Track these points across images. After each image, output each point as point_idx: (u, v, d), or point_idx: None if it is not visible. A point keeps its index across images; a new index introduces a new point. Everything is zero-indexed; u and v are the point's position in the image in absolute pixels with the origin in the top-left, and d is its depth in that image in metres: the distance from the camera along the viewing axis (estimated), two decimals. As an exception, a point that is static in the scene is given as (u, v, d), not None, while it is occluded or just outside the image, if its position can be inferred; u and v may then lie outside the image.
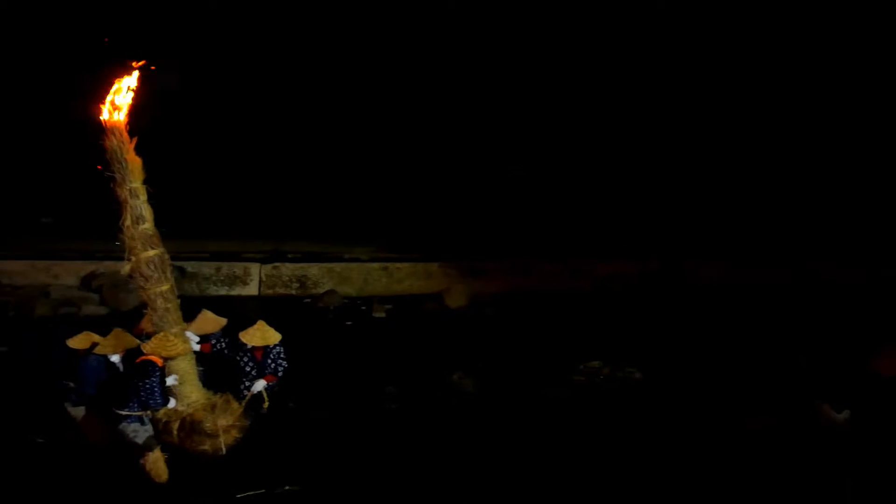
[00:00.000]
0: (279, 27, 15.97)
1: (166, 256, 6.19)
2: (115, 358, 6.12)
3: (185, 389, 6.14)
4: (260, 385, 6.42)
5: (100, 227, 13.12)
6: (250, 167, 15.66)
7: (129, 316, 10.40)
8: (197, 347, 6.44)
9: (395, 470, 6.07)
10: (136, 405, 5.72)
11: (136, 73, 6.09)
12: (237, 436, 6.11)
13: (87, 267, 11.48)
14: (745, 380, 8.32)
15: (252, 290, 11.96)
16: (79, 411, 6.10)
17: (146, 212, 5.99)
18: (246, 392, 6.36)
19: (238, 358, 6.52)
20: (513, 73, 16.81)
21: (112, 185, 5.88)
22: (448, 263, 12.55)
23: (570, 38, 16.62)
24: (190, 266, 11.77)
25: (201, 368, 6.42)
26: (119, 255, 11.88)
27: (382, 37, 16.29)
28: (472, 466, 6.24)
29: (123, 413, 5.72)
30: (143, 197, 5.96)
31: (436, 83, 16.73)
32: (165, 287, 6.10)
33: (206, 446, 5.98)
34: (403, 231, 13.98)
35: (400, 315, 11.35)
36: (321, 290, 12.07)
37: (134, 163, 5.88)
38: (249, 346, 6.45)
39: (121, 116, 5.87)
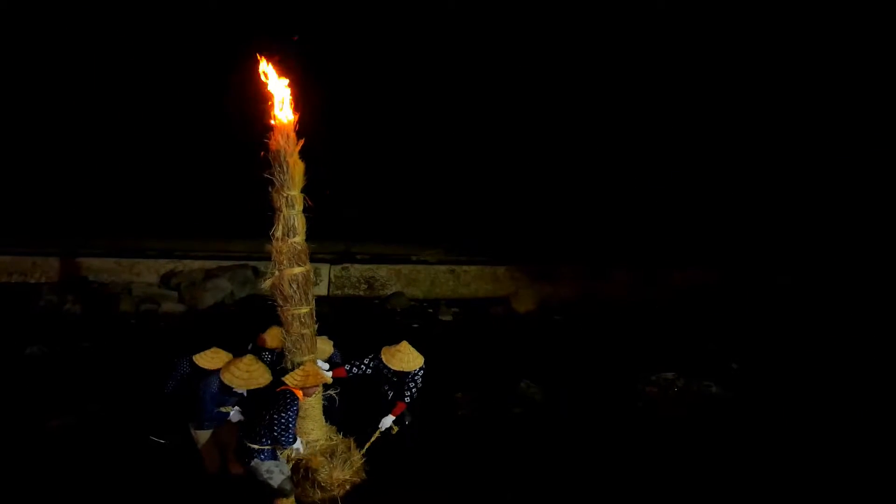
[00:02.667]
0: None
1: (311, 276, 5.76)
2: (242, 392, 5.67)
3: (307, 426, 5.73)
4: (388, 422, 6.00)
5: (179, 226, 13.81)
6: (323, 168, 15.93)
7: (205, 315, 10.80)
8: (329, 375, 5.92)
9: (462, 479, 5.99)
10: (267, 439, 5.19)
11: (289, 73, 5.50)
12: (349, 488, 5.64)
13: (167, 265, 11.91)
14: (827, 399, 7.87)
15: (321, 290, 12.14)
16: (203, 435, 5.70)
17: (299, 224, 5.51)
18: (373, 430, 5.95)
19: (384, 377, 6.08)
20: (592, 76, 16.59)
21: (270, 191, 5.41)
22: (516, 267, 12.39)
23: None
24: (263, 266, 12.04)
25: (333, 392, 6.09)
26: (197, 254, 12.36)
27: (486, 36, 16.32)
28: (536, 479, 6.10)
29: (255, 447, 5.21)
30: (299, 207, 5.48)
31: (510, 82, 16.67)
32: (304, 310, 5.63)
33: (317, 498, 5.52)
34: (472, 233, 13.92)
35: (466, 319, 11.28)
36: (389, 292, 12.14)
37: (296, 168, 5.38)
38: (392, 370, 5.94)
39: (289, 116, 5.36)
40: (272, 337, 6.19)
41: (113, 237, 12.91)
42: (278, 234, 5.47)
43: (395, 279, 12.37)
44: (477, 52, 16.48)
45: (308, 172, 5.45)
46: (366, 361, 6.11)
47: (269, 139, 5.30)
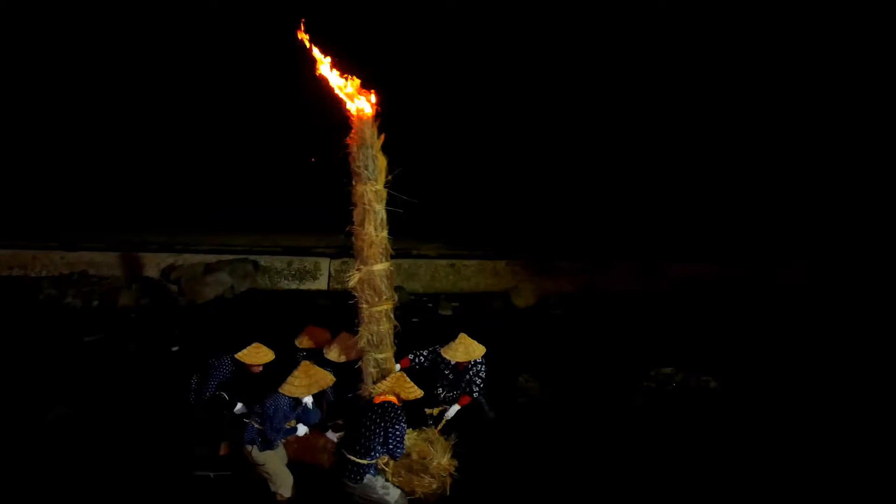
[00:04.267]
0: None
1: (393, 269, 5.74)
2: (308, 399, 5.52)
3: None
4: (454, 410, 6.03)
5: (179, 220, 13.83)
6: (323, 162, 15.93)
7: (206, 308, 10.81)
8: (398, 367, 5.96)
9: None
10: (379, 453, 5.09)
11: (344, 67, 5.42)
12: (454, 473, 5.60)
13: (168, 259, 11.93)
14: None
15: (322, 284, 12.15)
16: (267, 457, 5.44)
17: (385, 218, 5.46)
18: (436, 414, 6.03)
19: (440, 372, 6.13)
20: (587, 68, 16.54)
21: (354, 184, 5.34)
22: (517, 261, 12.39)
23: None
24: (263, 260, 12.08)
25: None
26: (197, 248, 12.34)
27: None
28: (533, 473, 6.14)
29: (365, 462, 5.06)
30: (384, 201, 5.44)
31: (508, 76, 16.64)
32: (390, 305, 5.65)
33: (433, 488, 5.43)
34: (472, 227, 13.90)
35: (467, 313, 11.28)
36: (389, 286, 12.12)
37: (382, 162, 5.35)
38: (452, 362, 6.02)
39: (369, 108, 5.27)
40: (309, 337, 6.28)
41: (113, 231, 12.93)
42: (369, 229, 5.38)
43: (395, 273, 12.34)
44: (475, 46, 16.44)
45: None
46: (425, 353, 6.20)
47: (352, 133, 5.24)
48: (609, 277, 12.11)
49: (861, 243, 13.12)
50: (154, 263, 11.91)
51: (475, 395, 6.15)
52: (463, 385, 6.20)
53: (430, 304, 11.60)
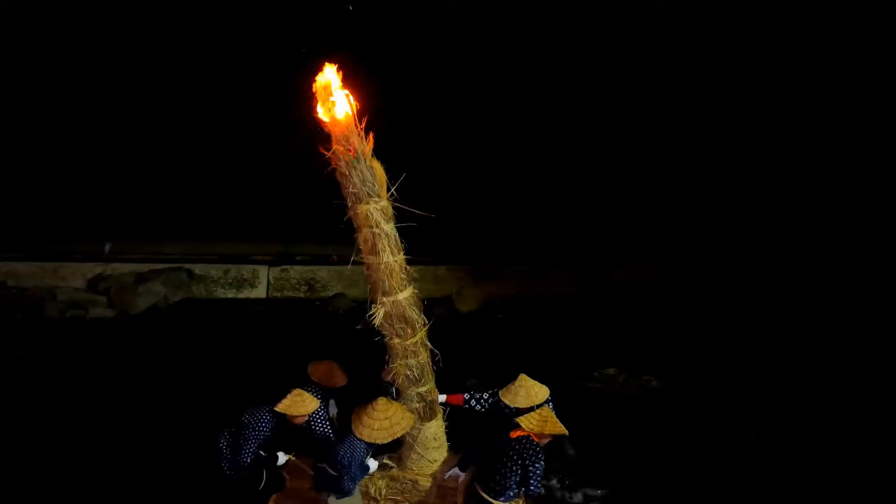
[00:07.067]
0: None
1: (416, 290, 4.94)
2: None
3: (437, 454, 5.25)
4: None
5: (105, 228, 13.21)
6: (260, 167, 15.54)
7: (138, 320, 10.37)
8: (443, 398, 5.37)
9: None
10: (516, 493, 4.68)
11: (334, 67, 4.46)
12: None
13: (95, 269, 11.39)
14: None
15: (260, 292, 11.85)
16: (352, 501, 4.91)
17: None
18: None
19: (501, 419, 5.21)
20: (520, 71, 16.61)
21: (352, 206, 4.52)
22: (458, 267, 12.39)
23: (570, 36, 16.43)
24: (198, 269, 11.69)
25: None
26: (127, 256, 11.81)
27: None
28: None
29: (499, 503, 4.68)
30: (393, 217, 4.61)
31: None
32: (425, 332, 4.96)
33: None
34: (412, 233, 13.80)
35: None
36: (330, 294, 11.94)
37: (379, 171, 4.49)
38: (513, 407, 5.06)
39: (346, 113, 4.33)
40: (326, 374, 5.46)
41: (36, 240, 12.24)
42: (385, 256, 4.59)
43: (336, 280, 12.18)
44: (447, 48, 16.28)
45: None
46: (485, 397, 5.43)
47: (336, 146, 4.34)
48: (551, 281, 12.25)
49: (795, 246, 13.69)
50: (80, 273, 11.35)
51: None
52: None
53: (373, 312, 11.42)
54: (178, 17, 14.45)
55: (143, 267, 11.41)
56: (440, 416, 5.31)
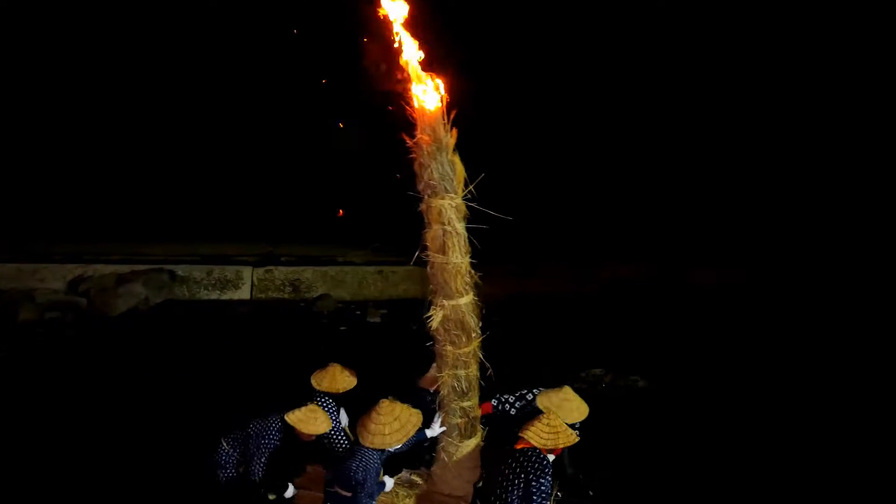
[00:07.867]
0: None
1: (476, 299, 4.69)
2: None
3: (472, 475, 5.05)
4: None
5: (88, 229, 13.00)
6: (245, 168, 15.40)
7: (118, 322, 10.19)
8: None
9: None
10: None
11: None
12: None
13: (75, 270, 11.18)
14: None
15: (244, 293, 11.71)
16: None
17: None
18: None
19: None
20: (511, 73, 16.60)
21: (427, 199, 4.35)
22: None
23: (565, 36, 16.42)
24: (181, 270, 11.53)
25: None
26: (108, 258, 11.62)
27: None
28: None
29: None
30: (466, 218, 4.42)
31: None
32: (479, 342, 4.75)
33: None
34: (399, 234, 13.72)
35: (395, 320, 11.12)
36: (315, 294, 11.83)
37: (460, 168, 4.32)
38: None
39: (435, 104, 4.17)
40: (332, 379, 5.16)
41: (13, 240, 12.01)
42: (453, 255, 4.40)
43: (321, 281, 12.08)
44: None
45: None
46: (511, 399, 5.09)
47: (421, 136, 4.17)
48: (539, 281, 12.24)
49: (783, 246, 13.81)
50: (60, 275, 11.12)
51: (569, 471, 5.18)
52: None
53: (359, 312, 11.37)
54: (163, 21, 14.34)
55: (125, 268, 11.22)
56: (480, 434, 4.99)
